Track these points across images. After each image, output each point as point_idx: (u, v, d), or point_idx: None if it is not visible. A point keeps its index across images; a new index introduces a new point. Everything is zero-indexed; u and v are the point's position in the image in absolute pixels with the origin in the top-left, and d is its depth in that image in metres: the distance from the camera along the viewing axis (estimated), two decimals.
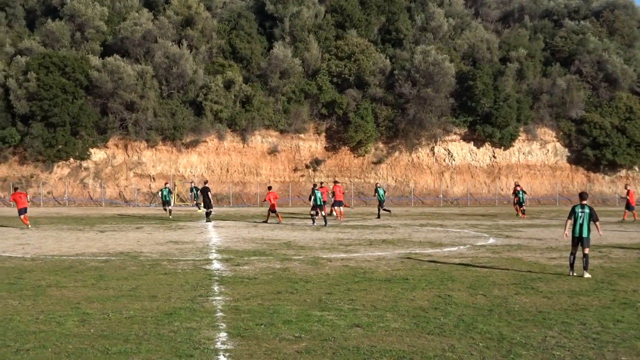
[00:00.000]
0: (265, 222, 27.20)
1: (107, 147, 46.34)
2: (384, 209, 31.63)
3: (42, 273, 13.38)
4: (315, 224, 25.68)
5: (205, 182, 30.07)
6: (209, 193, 28.63)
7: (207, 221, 27.45)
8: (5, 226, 25.73)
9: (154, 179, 45.42)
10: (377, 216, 31.07)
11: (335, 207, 30.20)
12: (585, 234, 12.29)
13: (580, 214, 12.40)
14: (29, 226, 24.82)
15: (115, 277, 12.76)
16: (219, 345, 7.63)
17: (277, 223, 26.74)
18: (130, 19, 48.28)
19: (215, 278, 12.61)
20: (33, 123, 44.83)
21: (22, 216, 25.04)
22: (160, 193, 33.37)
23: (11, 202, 29.21)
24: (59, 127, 44.71)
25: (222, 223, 27.97)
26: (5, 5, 52.57)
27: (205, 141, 46.53)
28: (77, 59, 46.39)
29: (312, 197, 26.08)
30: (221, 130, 46.68)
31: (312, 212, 26.01)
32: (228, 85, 46.81)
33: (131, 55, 47.90)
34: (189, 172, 45.90)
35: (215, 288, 11.48)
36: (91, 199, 44.80)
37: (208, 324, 8.70)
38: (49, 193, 45.26)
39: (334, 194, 29.80)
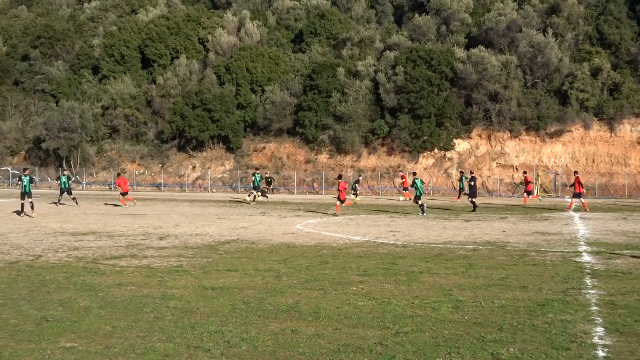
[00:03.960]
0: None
1: (471, 138, 58.22)
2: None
3: (414, 259, 16.65)
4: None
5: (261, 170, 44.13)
6: (475, 183, 35.89)
7: (472, 211, 34.29)
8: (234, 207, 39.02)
9: (516, 169, 56.39)
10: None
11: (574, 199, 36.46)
12: None
13: None
14: (126, 206, 38.02)
15: (484, 266, 15.53)
16: (596, 340, 9.05)
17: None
18: (494, 10, 59.89)
19: (587, 271, 14.74)
20: (400, 115, 58.02)
21: (121, 197, 38.95)
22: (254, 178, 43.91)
23: (117, 186, 43.34)
24: (425, 119, 57.64)
25: (589, 215, 32.30)
26: (376, 3, 69.50)
27: (570, 131, 55.52)
28: (442, 52, 59.64)
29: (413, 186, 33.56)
30: (587, 119, 55.10)
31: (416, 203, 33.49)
32: (595, 72, 55.21)
33: (495, 46, 59.24)
34: (553, 162, 55.45)
35: (588, 281, 13.53)
36: (454, 188, 57.68)
37: (583, 317, 10.32)
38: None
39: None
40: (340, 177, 35.80)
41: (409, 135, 58.56)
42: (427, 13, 65.04)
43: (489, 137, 58.50)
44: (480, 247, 19.35)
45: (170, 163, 66.70)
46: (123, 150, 69.23)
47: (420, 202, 32.91)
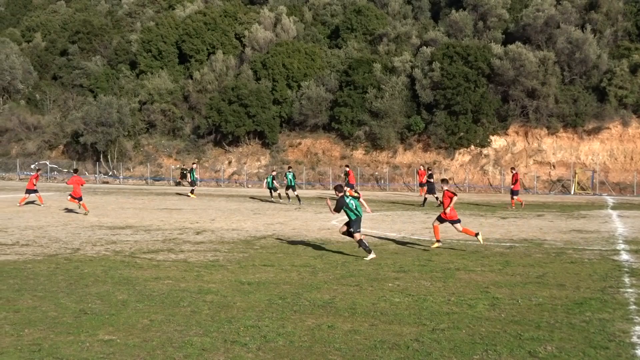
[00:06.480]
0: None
1: (507, 135, 57.81)
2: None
3: (450, 256, 16.79)
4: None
5: (193, 163, 46.22)
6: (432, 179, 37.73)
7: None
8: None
9: (554, 166, 56.13)
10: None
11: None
12: None
13: None
14: None
15: (521, 263, 15.59)
16: (635, 339, 9.01)
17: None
18: (532, 6, 59.30)
19: (625, 269, 14.68)
20: (437, 111, 57.80)
21: None
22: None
23: None
24: (461, 115, 57.64)
25: (627, 213, 32.09)
26: None
27: (608, 128, 54.88)
28: (479, 48, 59.26)
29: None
30: (626, 117, 54.42)
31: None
32: (634, 69, 54.37)
33: (533, 42, 58.71)
34: (590, 159, 55.09)
35: (626, 280, 13.40)
36: (491, 185, 57.80)
37: (621, 316, 10.23)
38: (450, 179, 59.67)
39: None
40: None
41: (445, 132, 58.23)
42: (464, 9, 64.63)
43: (525, 134, 58.00)
44: (517, 245, 19.20)
45: (206, 158, 67.03)
46: (160, 145, 69.76)
47: (286, 192, 37.23)
